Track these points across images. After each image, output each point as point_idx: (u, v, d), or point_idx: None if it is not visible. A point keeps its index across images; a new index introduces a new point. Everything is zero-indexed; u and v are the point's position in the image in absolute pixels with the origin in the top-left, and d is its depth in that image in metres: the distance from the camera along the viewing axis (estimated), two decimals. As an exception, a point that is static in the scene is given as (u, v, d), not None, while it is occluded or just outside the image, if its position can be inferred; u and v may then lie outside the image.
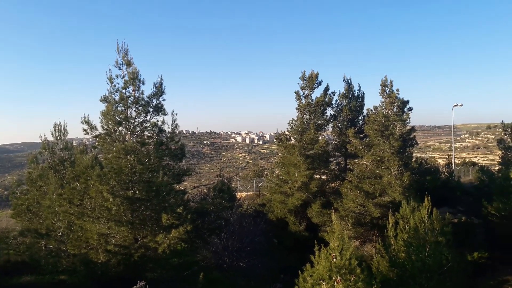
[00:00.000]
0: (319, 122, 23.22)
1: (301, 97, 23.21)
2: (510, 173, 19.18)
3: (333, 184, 23.79)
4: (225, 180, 16.44)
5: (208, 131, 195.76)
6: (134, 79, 12.82)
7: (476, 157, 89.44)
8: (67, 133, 16.55)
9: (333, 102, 23.93)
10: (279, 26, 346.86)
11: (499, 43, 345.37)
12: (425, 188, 18.21)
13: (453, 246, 13.07)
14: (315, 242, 8.84)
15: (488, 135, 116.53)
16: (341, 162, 24.73)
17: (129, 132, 13.03)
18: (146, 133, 13.36)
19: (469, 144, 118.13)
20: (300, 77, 23.15)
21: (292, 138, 23.86)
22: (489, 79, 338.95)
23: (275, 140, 26.39)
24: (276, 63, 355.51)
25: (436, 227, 12.53)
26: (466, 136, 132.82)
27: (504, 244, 19.37)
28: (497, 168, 27.27)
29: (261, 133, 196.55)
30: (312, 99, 23.05)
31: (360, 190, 19.71)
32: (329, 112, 24.00)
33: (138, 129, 13.17)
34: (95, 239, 12.23)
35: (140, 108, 13.07)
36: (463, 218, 23.72)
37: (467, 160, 62.95)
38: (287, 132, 24.03)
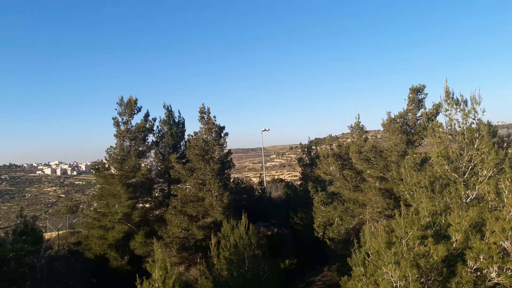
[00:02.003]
0: (140, 148, 22.55)
1: (120, 123, 22.20)
2: (309, 186, 22.64)
3: (157, 212, 23.25)
4: (29, 220, 14.02)
5: (7, 164, 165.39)
6: None
7: (283, 174, 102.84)
8: None
9: (155, 128, 23.66)
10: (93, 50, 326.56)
11: (293, 78, 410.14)
12: (242, 205, 19.77)
13: (268, 257, 14.43)
14: (137, 275, 8.38)
15: (291, 155, 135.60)
16: (165, 188, 24.49)
17: None
18: None
19: (277, 163, 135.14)
20: (117, 103, 22.19)
21: (111, 167, 22.38)
22: (290, 106, 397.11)
23: (92, 170, 24.12)
24: (91, 87, 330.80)
25: (253, 241, 13.64)
26: (274, 156, 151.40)
27: (308, 250, 22.60)
28: (299, 183, 31.84)
29: (75, 163, 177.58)
30: (132, 126, 22.32)
31: (184, 214, 19.92)
32: (151, 138, 23.61)
33: None
34: None
35: None
36: (275, 229, 26.69)
37: (276, 177, 71.62)
38: (105, 161, 22.44)
